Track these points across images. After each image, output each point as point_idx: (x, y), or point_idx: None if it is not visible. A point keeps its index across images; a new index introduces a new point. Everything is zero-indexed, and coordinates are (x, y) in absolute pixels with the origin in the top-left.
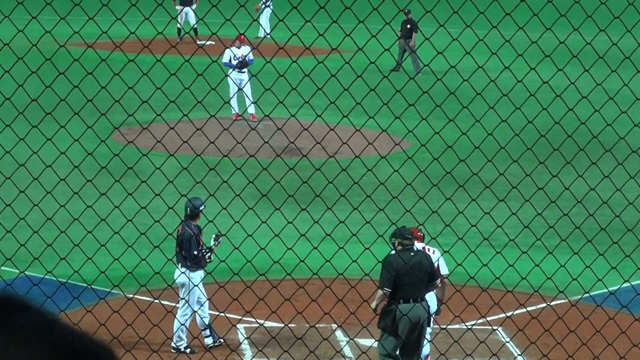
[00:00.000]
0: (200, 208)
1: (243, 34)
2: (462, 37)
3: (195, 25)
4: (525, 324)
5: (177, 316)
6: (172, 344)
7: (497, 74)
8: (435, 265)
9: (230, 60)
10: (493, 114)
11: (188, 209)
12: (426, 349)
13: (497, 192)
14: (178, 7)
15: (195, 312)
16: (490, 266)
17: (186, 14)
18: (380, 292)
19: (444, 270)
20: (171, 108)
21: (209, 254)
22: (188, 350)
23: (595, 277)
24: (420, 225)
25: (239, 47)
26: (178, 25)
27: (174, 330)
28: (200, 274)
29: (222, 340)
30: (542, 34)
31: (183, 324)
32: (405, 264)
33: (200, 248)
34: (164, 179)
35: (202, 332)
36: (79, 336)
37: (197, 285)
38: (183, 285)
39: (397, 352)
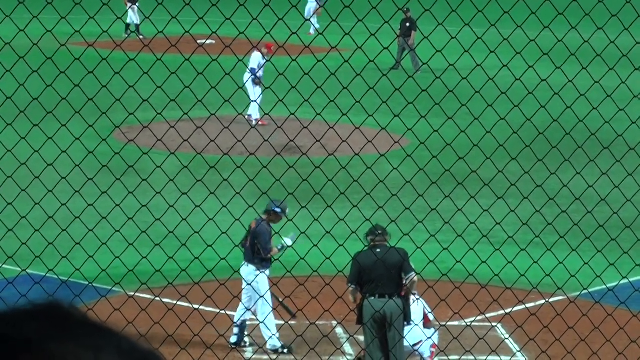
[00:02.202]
0: (274, 208)
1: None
2: (460, 35)
3: (138, 22)
4: (524, 320)
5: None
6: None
7: (495, 72)
8: (422, 314)
9: (256, 69)
10: (492, 111)
11: (267, 205)
12: (426, 351)
13: (496, 189)
14: (128, 4)
15: (248, 310)
16: (489, 263)
17: (133, 11)
18: (351, 290)
19: (431, 317)
20: (172, 107)
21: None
22: (286, 350)
23: (594, 273)
24: (419, 222)
25: (264, 56)
26: (129, 21)
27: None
28: (266, 272)
29: (246, 342)
30: (540, 32)
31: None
32: (370, 260)
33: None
34: (164, 177)
35: (233, 327)
36: (145, 350)
37: (256, 290)
38: (247, 281)
39: (378, 348)
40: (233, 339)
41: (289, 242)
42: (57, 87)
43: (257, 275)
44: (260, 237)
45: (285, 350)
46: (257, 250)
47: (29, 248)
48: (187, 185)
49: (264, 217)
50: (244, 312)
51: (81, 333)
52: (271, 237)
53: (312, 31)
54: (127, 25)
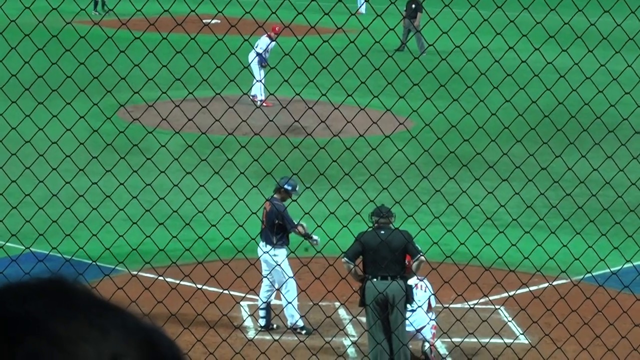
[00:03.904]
0: (285, 186)
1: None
2: (466, 17)
3: None
4: (527, 303)
5: (261, 297)
6: (288, 324)
7: (501, 54)
8: (427, 300)
9: (263, 53)
10: (497, 94)
11: (276, 185)
12: (427, 333)
13: (501, 172)
14: None
15: (277, 290)
16: (493, 245)
17: None
18: (345, 265)
19: (433, 304)
20: (177, 86)
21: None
22: (304, 332)
23: (597, 257)
24: (423, 204)
25: (273, 40)
26: None
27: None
28: (284, 251)
29: (274, 326)
30: (547, 15)
31: (264, 302)
32: (374, 241)
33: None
34: (169, 157)
35: (259, 311)
36: (150, 327)
37: (279, 264)
38: (266, 262)
39: (380, 330)
40: (262, 322)
41: (315, 237)
42: (62, 65)
43: (276, 256)
44: (281, 215)
45: (304, 332)
46: (275, 230)
47: (33, 226)
48: (191, 165)
49: (275, 196)
50: (269, 294)
51: (87, 311)
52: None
53: (362, 10)
54: (96, 3)
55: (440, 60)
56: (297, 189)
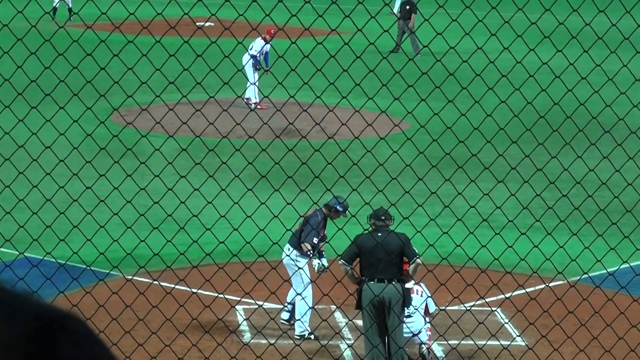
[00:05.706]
0: (336, 206)
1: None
2: (461, 18)
3: (70, 5)
4: (524, 305)
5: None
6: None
7: (496, 55)
8: (424, 305)
9: (257, 56)
10: (492, 95)
11: (330, 200)
12: (423, 336)
13: (496, 173)
14: None
15: (299, 294)
16: (489, 247)
17: None
18: (342, 267)
19: (432, 309)
20: (170, 89)
21: (316, 259)
22: (312, 337)
23: (594, 258)
24: (419, 206)
25: (268, 42)
26: (55, 4)
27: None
28: (306, 258)
29: (284, 322)
30: (542, 15)
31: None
32: (370, 244)
33: (319, 240)
34: (163, 160)
35: (285, 307)
36: (48, 316)
37: (298, 273)
38: (288, 265)
39: (377, 333)
40: (284, 316)
41: (324, 261)
42: (55, 69)
43: (297, 260)
44: (307, 225)
45: (312, 337)
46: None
47: (27, 231)
48: (185, 168)
49: (324, 209)
50: (295, 295)
51: None
52: (317, 230)
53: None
54: (54, 10)
55: (435, 61)
56: (347, 212)
